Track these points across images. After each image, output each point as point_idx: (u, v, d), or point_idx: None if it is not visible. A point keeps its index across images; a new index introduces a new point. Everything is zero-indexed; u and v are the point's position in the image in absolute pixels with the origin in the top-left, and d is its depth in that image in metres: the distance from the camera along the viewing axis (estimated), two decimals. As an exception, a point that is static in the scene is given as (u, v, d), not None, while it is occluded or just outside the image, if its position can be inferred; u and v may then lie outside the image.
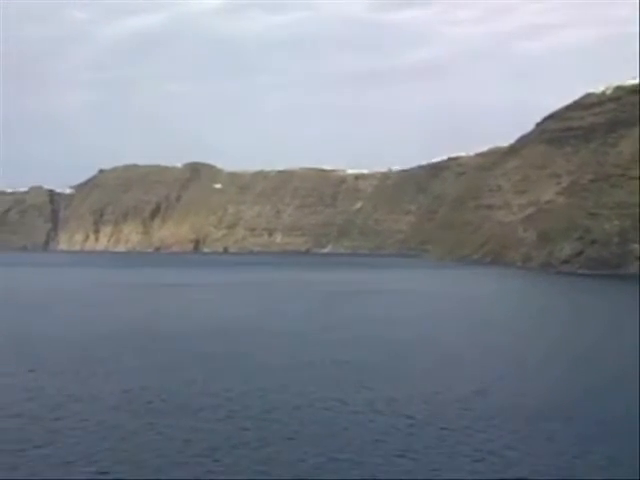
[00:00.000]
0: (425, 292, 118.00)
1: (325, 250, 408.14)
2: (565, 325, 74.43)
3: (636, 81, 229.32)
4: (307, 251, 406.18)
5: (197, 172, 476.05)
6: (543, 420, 34.58)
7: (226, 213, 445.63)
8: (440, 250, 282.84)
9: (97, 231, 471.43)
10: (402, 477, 26.78)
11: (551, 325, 75.11)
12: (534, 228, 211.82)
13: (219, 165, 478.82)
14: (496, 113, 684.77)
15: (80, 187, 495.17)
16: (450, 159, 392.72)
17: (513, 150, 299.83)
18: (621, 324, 73.93)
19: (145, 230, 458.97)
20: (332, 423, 33.76)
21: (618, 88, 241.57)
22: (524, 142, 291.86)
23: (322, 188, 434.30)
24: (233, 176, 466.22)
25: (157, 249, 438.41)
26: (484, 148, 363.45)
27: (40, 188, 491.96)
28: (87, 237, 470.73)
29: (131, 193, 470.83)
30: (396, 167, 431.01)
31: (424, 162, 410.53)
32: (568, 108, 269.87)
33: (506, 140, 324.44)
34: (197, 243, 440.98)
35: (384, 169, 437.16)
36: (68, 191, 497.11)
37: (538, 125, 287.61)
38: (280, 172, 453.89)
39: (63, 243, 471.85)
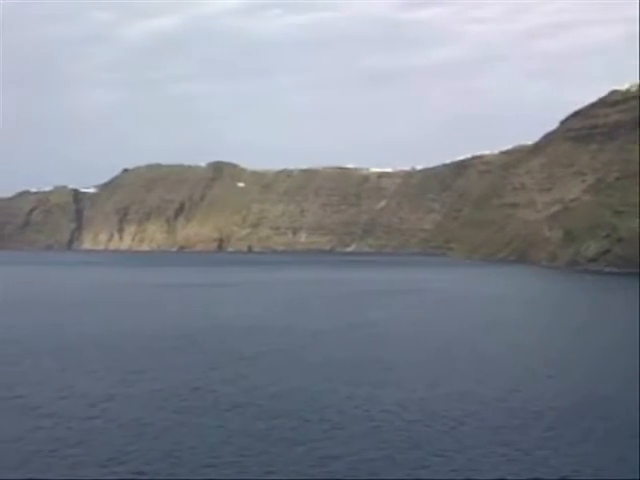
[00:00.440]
0: (459, 291, 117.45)
1: (349, 249, 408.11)
2: (599, 324, 73.91)
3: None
4: (331, 250, 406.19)
5: (220, 171, 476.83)
6: (578, 419, 34.26)
7: (250, 212, 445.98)
8: (465, 249, 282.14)
9: (121, 230, 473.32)
10: (438, 477, 26.52)
11: (585, 323, 74.54)
12: (559, 226, 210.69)
13: (242, 164, 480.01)
14: (519, 111, 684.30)
15: (104, 186, 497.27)
16: (474, 157, 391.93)
17: (537, 148, 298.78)
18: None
19: (169, 229, 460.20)
20: (365, 421, 33.54)
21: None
22: (549, 140, 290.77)
23: (345, 187, 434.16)
24: (256, 175, 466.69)
25: (181, 248, 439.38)
26: (508, 146, 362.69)
27: (64, 188, 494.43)
28: (111, 236, 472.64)
29: (155, 192, 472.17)
30: (419, 165, 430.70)
31: (448, 160, 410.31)
32: (593, 106, 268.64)
33: (530, 138, 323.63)
34: (221, 242, 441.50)
35: (407, 167, 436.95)
36: (92, 190, 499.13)
37: (562, 123, 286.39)
38: (303, 171, 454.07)
39: (87, 242, 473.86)
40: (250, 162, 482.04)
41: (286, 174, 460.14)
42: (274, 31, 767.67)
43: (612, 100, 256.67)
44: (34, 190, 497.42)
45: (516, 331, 67.02)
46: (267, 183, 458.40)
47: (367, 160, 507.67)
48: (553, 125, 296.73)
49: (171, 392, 39.19)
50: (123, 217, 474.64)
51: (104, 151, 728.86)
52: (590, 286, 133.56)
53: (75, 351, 53.01)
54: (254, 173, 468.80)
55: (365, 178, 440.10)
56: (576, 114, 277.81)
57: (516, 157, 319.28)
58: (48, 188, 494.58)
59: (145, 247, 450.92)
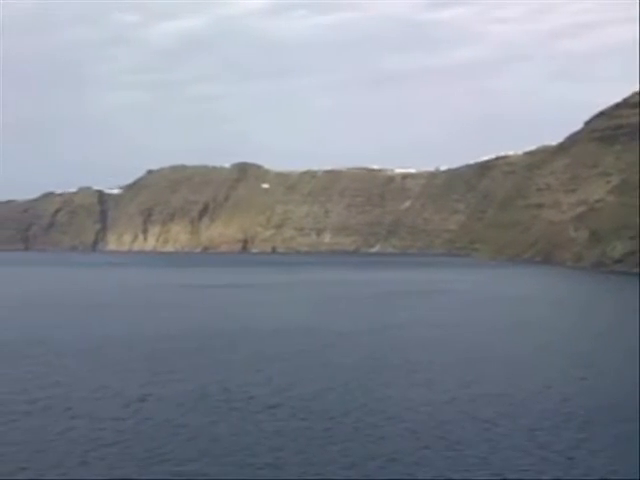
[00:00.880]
0: (485, 292, 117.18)
1: (373, 250, 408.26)
2: (627, 325, 73.53)
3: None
4: (355, 251, 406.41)
5: (245, 172, 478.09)
6: (611, 420, 34.16)
7: (274, 213, 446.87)
8: (489, 249, 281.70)
9: (145, 231, 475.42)
10: (469, 477, 26.51)
11: (613, 325, 74.21)
12: (585, 227, 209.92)
13: (266, 165, 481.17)
14: (541, 111, 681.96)
15: (128, 188, 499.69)
16: (498, 158, 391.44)
17: (562, 148, 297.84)
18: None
19: (193, 230, 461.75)
20: (398, 422, 33.53)
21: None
22: (573, 140, 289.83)
23: (370, 188, 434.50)
24: (280, 176, 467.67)
25: (205, 249, 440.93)
26: (532, 146, 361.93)
27: (89, 189, 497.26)
28: (136, 237, 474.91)
29: (179, 193, 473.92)
30: (444, 166, 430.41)
31: (472, 161, 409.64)
32: (617, 106, 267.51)
33: (552, 139, 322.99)
34: (245, 243, 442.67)
35: (431, 168, 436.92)
36: (116, 192, 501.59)
37: (587, 123, 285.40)
38: (327, 172, 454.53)
39: (112, 243, 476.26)
40: (274, 163, 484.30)
41: (310, 175, 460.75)
42: (299, 32, 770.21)
43: (636, 101, 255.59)
44: (59, 191, 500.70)
45: (544, 332, 66.73)
46: (291, 184, 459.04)
47: (391, 161, 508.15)
48: (574, 126, 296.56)
49: (202, 393, 39.28)
50: (147, 218, 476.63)
51: (128, 153, 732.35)
52: (616, 287, 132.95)
53: (104, 352, 53.20)
54: (278, 174, 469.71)
55: (389, 179, 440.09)
56: (600, 115, 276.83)
57: (540, 158, 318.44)
58: (73, 189, 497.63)
59: (169, 248, 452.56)
